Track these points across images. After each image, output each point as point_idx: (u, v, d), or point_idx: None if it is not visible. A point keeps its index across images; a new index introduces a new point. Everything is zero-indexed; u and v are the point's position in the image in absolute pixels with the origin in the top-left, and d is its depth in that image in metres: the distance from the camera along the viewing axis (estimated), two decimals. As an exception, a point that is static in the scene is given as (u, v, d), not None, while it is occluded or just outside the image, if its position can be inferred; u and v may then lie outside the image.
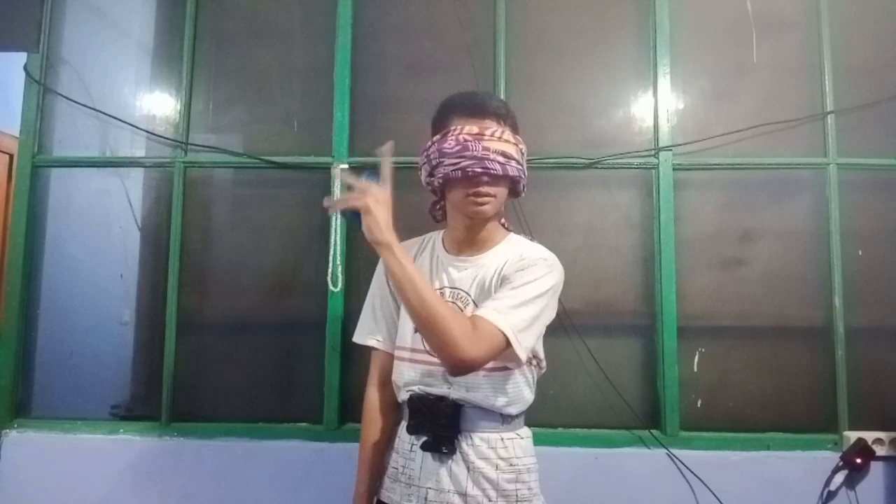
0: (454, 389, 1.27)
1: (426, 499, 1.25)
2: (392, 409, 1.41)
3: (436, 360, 1.24)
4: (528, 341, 1.20)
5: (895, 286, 1.94)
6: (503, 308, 1.18)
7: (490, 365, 1.23)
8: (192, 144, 2.04)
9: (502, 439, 1.28)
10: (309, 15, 2.10)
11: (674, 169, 1.95)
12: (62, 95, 2.06)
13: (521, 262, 1.27)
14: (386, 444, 1.39)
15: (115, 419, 1.97)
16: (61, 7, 2.11)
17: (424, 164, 1.30)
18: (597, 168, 1.98)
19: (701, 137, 1.97)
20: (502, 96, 1.98)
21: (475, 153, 1.21)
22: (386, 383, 1.40)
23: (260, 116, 2.08)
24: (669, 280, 1.90)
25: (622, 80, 2.04)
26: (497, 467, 1.26)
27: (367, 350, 1.48)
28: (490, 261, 1.32)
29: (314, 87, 2.06)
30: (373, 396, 1.42)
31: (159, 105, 2.10)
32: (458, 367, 1.15)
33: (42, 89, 2.04)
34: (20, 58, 2.05)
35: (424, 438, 1.27)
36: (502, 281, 1.26)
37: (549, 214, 1.98)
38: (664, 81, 1.99)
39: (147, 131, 2.06)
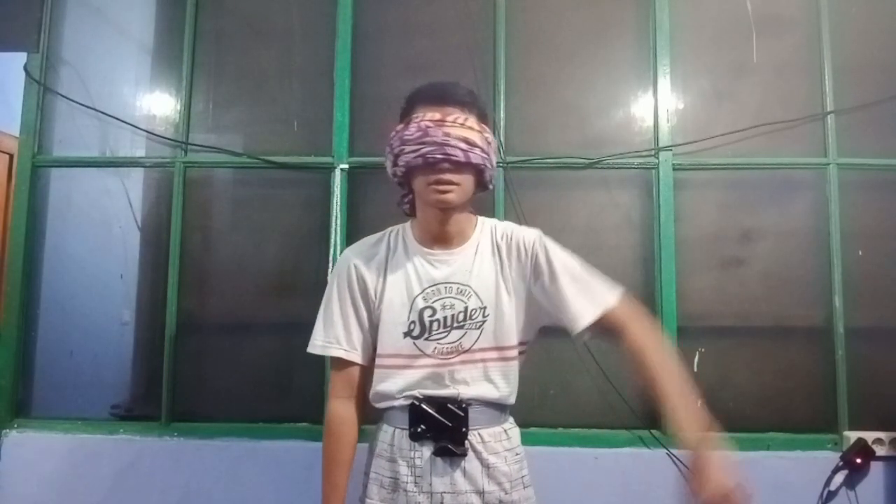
0: (461, 388, 1.25)
1: (442, 503, 1.23)
2: (357, 422, 1.33)
3: (439, 361, 1.25)
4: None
5: (895, 286, 1.94)
6: (603, 286, 1.27)
7: (495, 355, 1.26)
8: (192, 144, 2.04)
9: (505, 430, 1.29)
10: (309, 15, 2.10)
11: (674, 169, 1.95)
12: (62, 95, 2.06)
13: (541, 247, 1.28)
14: (353, 458, 1.32)
15: (115, 419, 1.97)
16: (61, 7, 2.11)
17: (388, 153, 1.28)
18: (597, 168, 1.98)
19: (701, 137, 1.97)
20: (502, 96, 1.99)
21: (436, 139, 1.18)
22: (352, 395, 1.32)
23: (260, 116, 2.08)
24: (669, 280, 1.90)
25: (622, 80, 2.04)
26: (506, 459, 1.26)
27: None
28: (476, 249, 1.30)
29: (314, 88, 2.06)
30: (339, 410, 1.30)
31: (159, 105, 2.10)
32: None
33: (42, 89, 2.04)
34: (20, 58, 2.05)
35: (432, 443, 1.24)
36: (539, 274, 1.27)
37: (549, 214, 1.98)
38: (664, 81, 1.99)
39: (147, 131, 2.06)
